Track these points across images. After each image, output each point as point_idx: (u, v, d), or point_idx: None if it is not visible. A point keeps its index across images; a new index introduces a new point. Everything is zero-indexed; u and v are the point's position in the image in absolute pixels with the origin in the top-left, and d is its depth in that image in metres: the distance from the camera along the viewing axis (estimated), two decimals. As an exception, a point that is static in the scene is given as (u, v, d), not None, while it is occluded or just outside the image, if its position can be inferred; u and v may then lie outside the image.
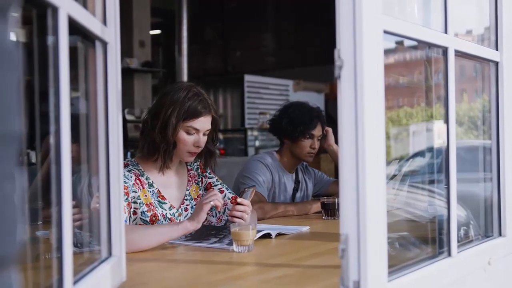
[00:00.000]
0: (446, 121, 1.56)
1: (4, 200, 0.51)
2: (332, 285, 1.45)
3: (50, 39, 1.00)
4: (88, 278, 1.19)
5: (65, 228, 1.02)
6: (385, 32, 1.27)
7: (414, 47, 1.74)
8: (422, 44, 1.64)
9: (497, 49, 1.84)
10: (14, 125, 0.53)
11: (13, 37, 0.57)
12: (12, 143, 0.53)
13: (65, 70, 1.01)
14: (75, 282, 1.09)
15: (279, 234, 2.20)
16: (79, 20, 1.12)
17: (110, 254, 1.38)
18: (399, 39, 1.44)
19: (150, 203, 2.20)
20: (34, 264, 1.21)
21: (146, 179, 2.24)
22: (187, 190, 2.36)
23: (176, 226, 1.98)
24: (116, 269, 1.38)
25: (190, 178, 2.39)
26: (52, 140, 1.00)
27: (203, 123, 2.22)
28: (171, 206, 2.26)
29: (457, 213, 1.60)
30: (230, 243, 1.92)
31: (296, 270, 1.65)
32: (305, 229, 2.37)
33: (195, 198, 2.37)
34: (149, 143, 2.22)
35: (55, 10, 0.99)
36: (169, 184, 2.30)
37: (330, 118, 3.76)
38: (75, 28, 1.10)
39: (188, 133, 2.21)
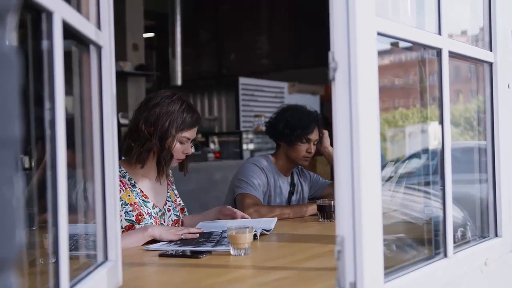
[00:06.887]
0: (441, 122, 1.56)
1: (4, 204, 0.51)
2: (330, 287, 1.45)
3: (44, 43, 1.00)
4: (84, 283, 1.19)
5: (61, 233, 1.01)
6: (379, 34, 1.27)
7: (409, 49, 1.74)
8: (416, 46, 1.64)
9: (491, 50, 1.85)
10: (13, 130, 0.54)
11: (11, 41, 0.57)
12: (11, 147, 0.54)
13: (59, 74, 1.01)
14: (71, 287, 1.08)
15: (263, 234, 2.22)
16: (74, 25, 1.12)
17: (106, 258, 1.38)
18: (394, 40, 1.44)
19: (134, 203, 2.27)
20: (28, 270, 1.21)
21: (129, 180, 2.31)
22: (168, 192, 2.47)
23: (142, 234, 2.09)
24: (112, 274, 1.38)
25: (169, 182, 2.51)
26: (47, 144, 1.00)
27: (195, 133, 2.37)
28: (154, 205, 2.34)
29: (454, 214, 1.60)
30: (229, 245, 1.91)
31: (293, 272, 1.65)
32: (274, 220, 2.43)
33: (174, 201, 2.48)
34: (146, 151, 2.27)
35: (49, 14, 0.99)
36: (151, 186, 2.38)
37: (325, 120, 3.75)
38: (68, 32, 1.10)
39: (181, 142, 2.32)
